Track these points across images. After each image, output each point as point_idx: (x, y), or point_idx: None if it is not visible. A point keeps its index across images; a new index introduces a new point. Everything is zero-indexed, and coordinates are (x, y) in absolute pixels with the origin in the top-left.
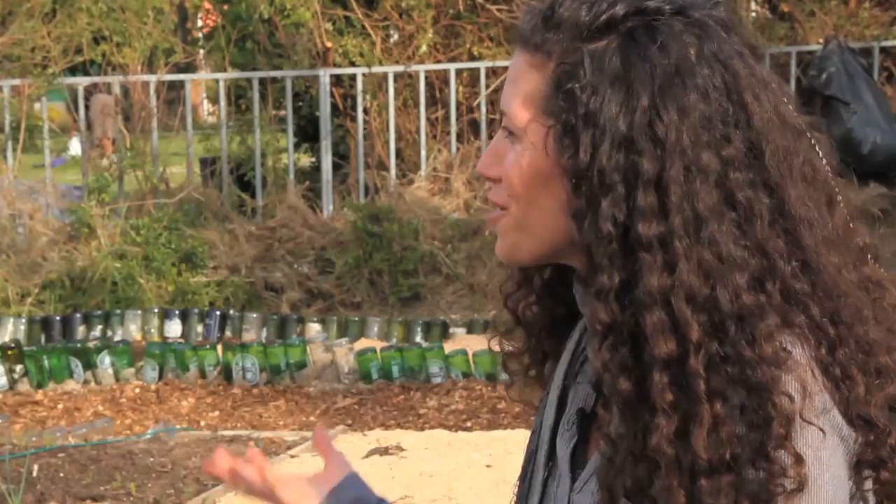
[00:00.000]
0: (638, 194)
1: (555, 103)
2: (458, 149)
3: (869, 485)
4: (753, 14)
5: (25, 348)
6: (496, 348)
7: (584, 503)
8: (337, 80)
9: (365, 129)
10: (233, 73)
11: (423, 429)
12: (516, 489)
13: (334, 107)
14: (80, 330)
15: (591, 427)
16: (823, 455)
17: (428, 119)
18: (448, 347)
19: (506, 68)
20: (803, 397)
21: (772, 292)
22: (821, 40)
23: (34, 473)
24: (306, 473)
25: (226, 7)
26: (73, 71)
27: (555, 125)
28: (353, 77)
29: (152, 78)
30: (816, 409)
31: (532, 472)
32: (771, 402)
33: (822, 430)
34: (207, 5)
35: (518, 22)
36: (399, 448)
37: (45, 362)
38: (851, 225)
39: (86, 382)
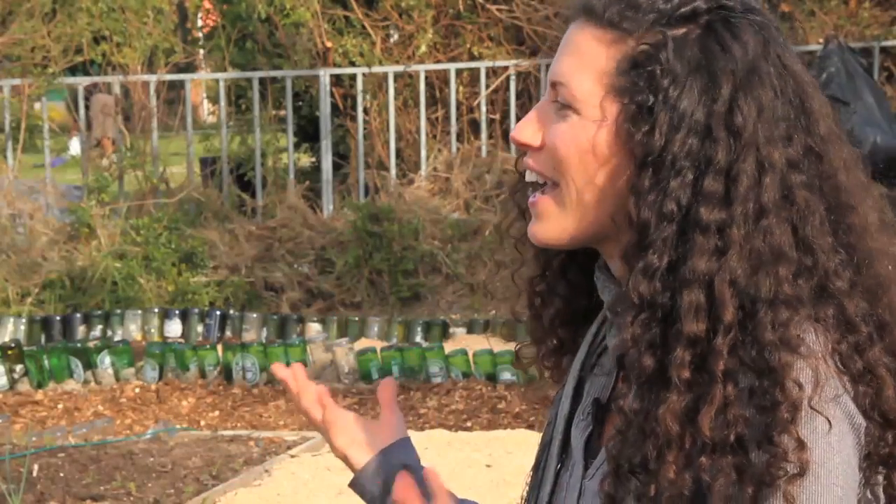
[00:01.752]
0: (706, 180)
1: (629, 82)
2: (458, 149)
3: (879, 480)
4: None
5: (25, 348)
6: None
7: (596, 488)
8: (337, 80)
9: (365, 128)
10: (233, 73)
11: (423, 429)
12: (529, 478)
13: (334, 107)
14: (80, 330)
15: (606, 417)
16: (832, 440)
17: (428, 119)
18: (448, 347)
19: (506, 68)
20: (814, 385)
21: (809, 285)
22: (821, 40)
23: (34, 473)
24: (363, 419)
25: (226, 7)
26: (73, 71)
27: (629, 104)
28: (353, 77)
29: (152, 78)
30: (827, 396)
31: (546, 461)
32: (780, 387)
33: (829, 418)
34: (207, 5)
35: None
36: None
37: (45, 362)
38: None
39: (86, 382)
